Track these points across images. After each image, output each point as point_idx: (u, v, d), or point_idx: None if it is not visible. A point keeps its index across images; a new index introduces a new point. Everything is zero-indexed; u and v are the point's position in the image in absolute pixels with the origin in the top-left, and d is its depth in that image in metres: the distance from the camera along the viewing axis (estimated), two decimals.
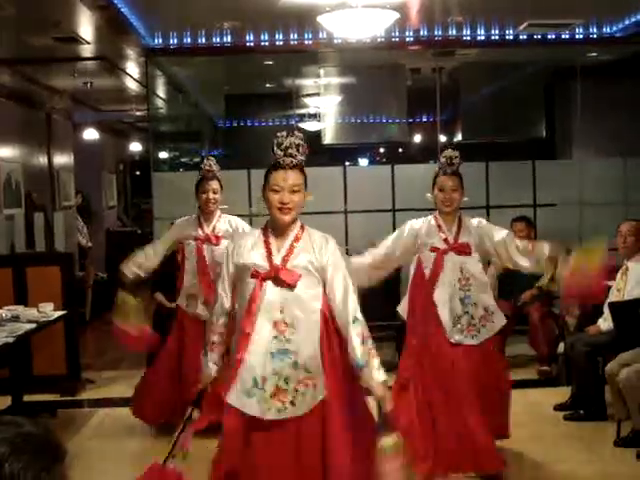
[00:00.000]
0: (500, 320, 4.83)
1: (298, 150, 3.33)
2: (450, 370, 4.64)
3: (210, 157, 5.89)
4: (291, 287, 3.31)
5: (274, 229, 3.42)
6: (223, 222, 5.77)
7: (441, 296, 4.71)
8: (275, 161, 3.35)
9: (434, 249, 4.73)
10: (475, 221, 4.85)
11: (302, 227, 3.45)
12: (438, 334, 4.69)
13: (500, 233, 4.80)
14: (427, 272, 4.75)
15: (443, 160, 4.82)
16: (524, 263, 4.77)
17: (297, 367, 3.29)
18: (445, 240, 4.73)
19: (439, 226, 4.78)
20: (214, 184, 5.71)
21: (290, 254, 3.36)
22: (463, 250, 4.72)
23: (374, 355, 3.31)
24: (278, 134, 3.36)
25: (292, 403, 3.28)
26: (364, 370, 3.28)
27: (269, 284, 3.32)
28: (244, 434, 3.30)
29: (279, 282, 3.32)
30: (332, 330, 3.36)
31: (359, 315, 3.35)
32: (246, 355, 3.27)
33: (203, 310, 5.62)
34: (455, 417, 4.58)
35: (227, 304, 3.47)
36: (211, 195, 5.69)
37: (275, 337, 3.28)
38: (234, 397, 3.28)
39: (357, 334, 3.30)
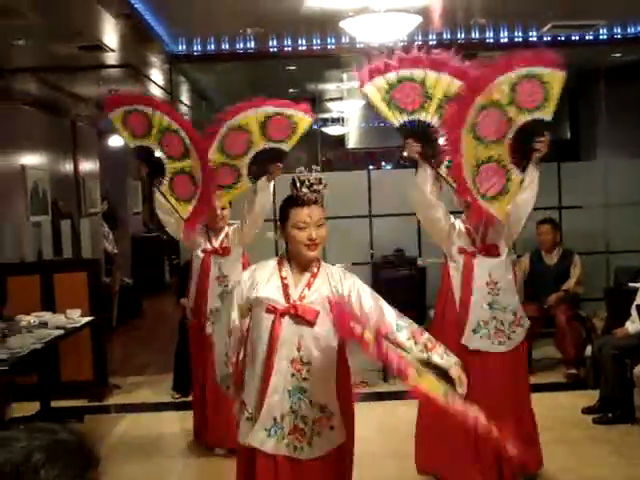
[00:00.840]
0: (527, 323, 4.67)
1: (320, 183, 3.31)
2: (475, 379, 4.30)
3: None
4: (310, 324, 3.25)
5: (295, 264, 3.35)
6: (230, 231, 5.66)
7: (468, 301, 4.55)
8: (296, 197, 3.30)
9: (463, 251, 4.59)
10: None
11: (319, 261, 3.39)
12: (453, 340, 4.38)
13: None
14: (456, 277, 4.59)
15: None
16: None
17: (313, 406, 3.26)
18: (473, 242, 4.60)
19: (467, 229, 4.65)
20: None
21: (307, 290, 3.30)
22: (491, 252, 4.57)
23: (433, 347, 3.21)
24: (297, 171, 3.32)
25: (309, 444, 3.26)
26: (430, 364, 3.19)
27: (286, 320, 3.25)
28: (275, 475, 3.26)
29: (297, 319, 3.25)
30: (344, 363, 3.39)
31: (401, 321, 3.26)
32: (267, 397, 3.24)
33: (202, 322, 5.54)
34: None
35: (240, 336, 3.42)
36: (219, 211, 5.58)
37: (292, 375, 3.24)
38: (254, 437, 3.26)
39: (406, 338, 3.21)
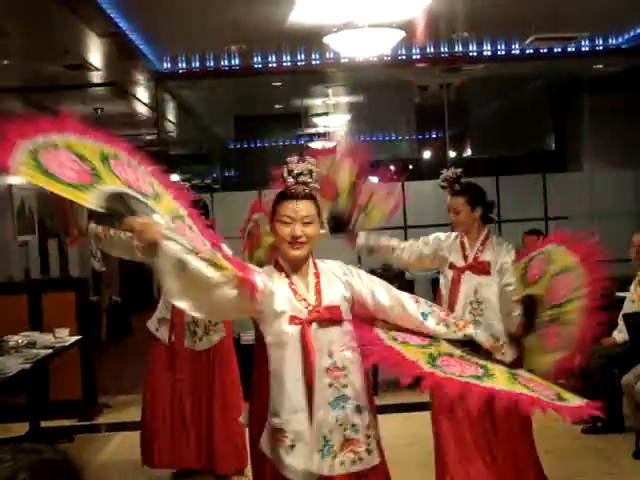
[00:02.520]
0: (511, 355, 4.14)
1: (311, 177, 2.97)
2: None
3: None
4: (338, 323, 2.97)
5: (289, 266, 3.02)
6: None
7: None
8: (285, 189, 2.98)
9: (452, 266, 4.49)
10: (505, 245, 4.47)
11: (314, 261, 3.08)
12: None
13: (508, 280, 4.33)
14: (443, 291, 4.54)
15: (444, 183, 4.59)
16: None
17: (361, 411, 2.96)
18: (465, 257, 4.48)
19: (462, 243, 4.54)
20: None
21: (320, 291, 3.00)
22: (482, 269, 4.41)
23: (462, 325, 3.10)
24: (288, 159, 2.99)
25: (368, 451, 2.95)
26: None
27: (313, 328, 2.93)
28: None
29: (324, 322, 2.94)
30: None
31: (423, 308, 3.09)
32: (314, 416, 2.89)
33: (174, 336, 5.27)
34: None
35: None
36: None
37: (330, 385, 2.91)
38: (312, 464, 2.88)
39: (435, 324, 3.07)
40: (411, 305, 3.08)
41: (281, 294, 2.95)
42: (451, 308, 4.36)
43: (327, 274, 3.05)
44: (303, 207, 2.95)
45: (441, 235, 4.65)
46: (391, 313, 3.07)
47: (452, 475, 4.32)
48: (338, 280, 3.05)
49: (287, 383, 2.91)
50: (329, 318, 2.95)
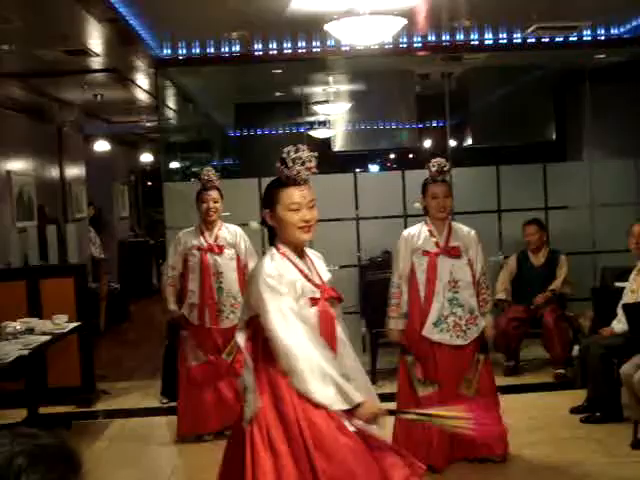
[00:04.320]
0: (482, 324, 5.06)
1: (312, 161, 3.09)
2: (437, 366, 4.95)
3: (209, 167, 6.02)
4: (341, 300, 3.24)
5: (293, 251, 3.16)
6: (225, 231, 5.91)
7: (432, 296, 4.97)
8: (288, 176, 3.08)
9: (426, 253, 5.01)
10: (466, 229, 5.13)
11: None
12: (418, 332, 4.97)
13: (479, 267, 5.10)
14: (421, 276, 5.02)
15: (434, 169, 5.04)
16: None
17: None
18: (437, 244, 5.03)
19: (430, 231, 5.06)
20: (214, 194, 5.84)
21: (319, 273, 3.22)
22: (454, 253, 5.01)
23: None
24: (285, 150, 3.09)
25: None
26: None
27: (326, 306, 3.15)
28: None
29: (331, 300, 3.18)
30: None
31: None
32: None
33: (207, 318, 5.80)
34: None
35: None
36: (212, 204, 5.82)
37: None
38: None
39: None
40: None
41: (294, 277, 3.10)
42: (431, 289, 4.99)
43: (314, 257, 3.31)
44: (307, 192, 3.12)
45: (405, 233, 5.18)
46: None
47: None
48: (323, 264, 3.33)
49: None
50: (337, 296, 3.21)
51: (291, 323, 2.98)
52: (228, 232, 5.90)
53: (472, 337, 5.00)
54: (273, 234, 3.22)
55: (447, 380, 4.94)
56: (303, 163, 3.05)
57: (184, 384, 5.91)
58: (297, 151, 3.08)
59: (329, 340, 3.09)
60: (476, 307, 5.04)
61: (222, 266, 5.79)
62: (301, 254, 3.20)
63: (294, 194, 3.08)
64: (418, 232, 5.11)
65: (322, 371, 2.94)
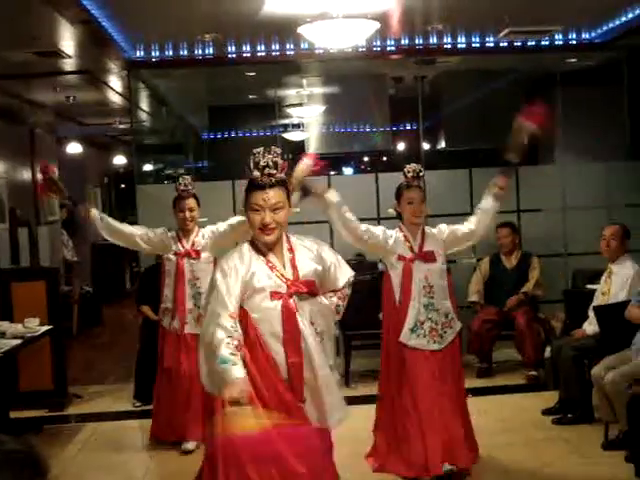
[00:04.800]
0: (458, 325, 5.06)
1: (276, 168, 3.18)
2: (414, 374, 4.88)
3: (186, 175, 6.03)
4: (314, 294, 3.28)
5: (265, 246, 3.26)
6: (201, 236, 5.87)
7: (407, 302, 4.92)
8: (251, 179, 3.21)
9: (402, 258, 4.95)
10: (435, 231, 5.09)
11: (287, 237, 3.34)
12: (396, 338, 4.92)
13: (461, 227, 5.07)
14: (395, 280, 4.97)
15: (410, 174, 5.05)
16: (476, 226, 5.05)
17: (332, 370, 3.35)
18: (411, 249, 4.98)
19: (405, 237, 5.02)
20: (191, 202, 5.84)
21: (296, 266, 3.27)
22: (428, 258, 4.94)
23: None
24: (254, 151, 3.20)
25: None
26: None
27: (294, 300, 3.22)
28: None
29: (303, 296, 3.24)
30: None
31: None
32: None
33: (177, 324, 5.76)
34: (427, 416, 4.81)
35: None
36: (188, 214, 5.82)
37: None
38: None
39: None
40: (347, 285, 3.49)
41: (260, 272, 3.19)
42: (406, 295, 4.93)
43: (300, 249, 3.33)
44: (272, 195, 3.18)
45: (387, 230, 5.10)
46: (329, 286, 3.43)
47: None
48: (311, 254, 3.34)
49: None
50: (307, 291, 3.24)
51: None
52: (203, 237, 5.89)
53: (448, 340, 4.95)
54: None
55: (420, 386, 4.85)
56: (263, 169, 3.15)
57: (159, 387, 5.92)
58: (263, 155, 3.17)
59: (292, 336, 3.17)
60: (451, 310, 5.00)
61: (199, 271, 5.76)
62: (272, 248, 3.26)
63: (256, 196, 3.18)
64: (395, 236, 5.04)
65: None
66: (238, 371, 2.95)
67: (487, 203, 5.04)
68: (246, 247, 3.29)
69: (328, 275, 3.39)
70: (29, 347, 6.11)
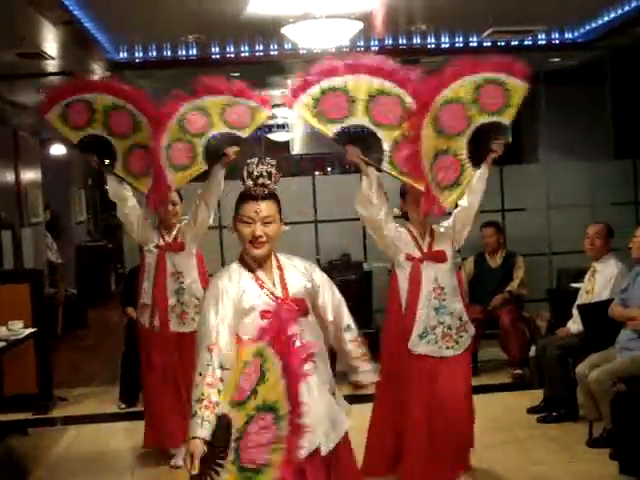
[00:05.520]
0: (472, 329, 4.69)
1: (270, 179, 3.10)
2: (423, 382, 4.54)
3: None
4: (305, 314, 3.14)
5: (254, 262, 3.15)
6: (181, 232, 5.64)
7: (415, 306, 4.56)
8: (245, 190, 3.11)
9: (410, 257, 4.60)
10: (442, 228, 4.72)
11: (276, 255, 3.22)
12: (403, 345, 4.55)
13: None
14: (403, 284, 4.61)
15: None
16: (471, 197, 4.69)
17: (334, 393, 3.33)
18: (420, 249, 4.62)
19: (413, 236, 4.66)
20: (173, 196, 5.62)
21: (286, 285, 3.15)
22: (439, 258, 4.59)
23: (364, 359, 3.42)
24: (248, 161, 3.11)
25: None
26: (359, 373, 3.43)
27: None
28: None
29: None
30: None
31: (351, 322, 3.38)
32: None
33: (156, 321, 5.48)
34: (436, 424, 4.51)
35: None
36: (170, 207, 5.57)
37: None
38: None
39: (349, 341, 3.38)
40: (346, 313, 3.40)
41: (250, 290, 3.08)
42: (414, 296, 4.55)
43: (289, 267, 3.21)
44: (264, 208, 3.09)
45: (400, 228, 4.71)
46: (325, 317, 3.33)
47: None
48: (300, 273, 3.22)
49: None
50: (298, 310, 3.10)
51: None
52: (183, 234, 5.69)
53: (464, 346, 4.60)
54: None
55: (435, 394, 4.49)
56: (257, 178, 3.08)
57: (149, 390, 5.70)
58: (257, 165, 3.10)
59: (284, 355, 2.99)
60: (464, 312, 4.64)
61: (181, 265, 5.50)
62: (261, 264, 3.15)
63: (247, 208, 3.09)
64: (404, 235, 4.67)
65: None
66: (199, 430, 2.84)
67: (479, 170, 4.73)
68: (234, 265, 3.17)
69: (317, 297, 3.29)
70: (13, 350, 6.06)
